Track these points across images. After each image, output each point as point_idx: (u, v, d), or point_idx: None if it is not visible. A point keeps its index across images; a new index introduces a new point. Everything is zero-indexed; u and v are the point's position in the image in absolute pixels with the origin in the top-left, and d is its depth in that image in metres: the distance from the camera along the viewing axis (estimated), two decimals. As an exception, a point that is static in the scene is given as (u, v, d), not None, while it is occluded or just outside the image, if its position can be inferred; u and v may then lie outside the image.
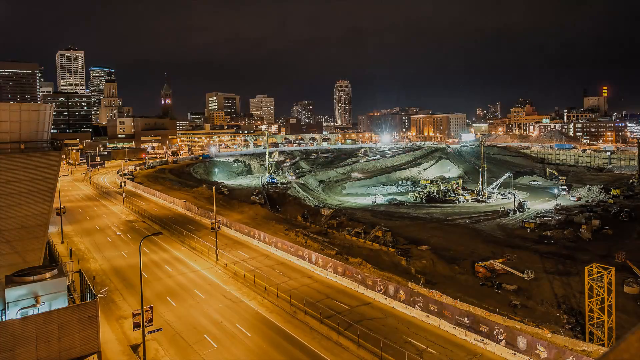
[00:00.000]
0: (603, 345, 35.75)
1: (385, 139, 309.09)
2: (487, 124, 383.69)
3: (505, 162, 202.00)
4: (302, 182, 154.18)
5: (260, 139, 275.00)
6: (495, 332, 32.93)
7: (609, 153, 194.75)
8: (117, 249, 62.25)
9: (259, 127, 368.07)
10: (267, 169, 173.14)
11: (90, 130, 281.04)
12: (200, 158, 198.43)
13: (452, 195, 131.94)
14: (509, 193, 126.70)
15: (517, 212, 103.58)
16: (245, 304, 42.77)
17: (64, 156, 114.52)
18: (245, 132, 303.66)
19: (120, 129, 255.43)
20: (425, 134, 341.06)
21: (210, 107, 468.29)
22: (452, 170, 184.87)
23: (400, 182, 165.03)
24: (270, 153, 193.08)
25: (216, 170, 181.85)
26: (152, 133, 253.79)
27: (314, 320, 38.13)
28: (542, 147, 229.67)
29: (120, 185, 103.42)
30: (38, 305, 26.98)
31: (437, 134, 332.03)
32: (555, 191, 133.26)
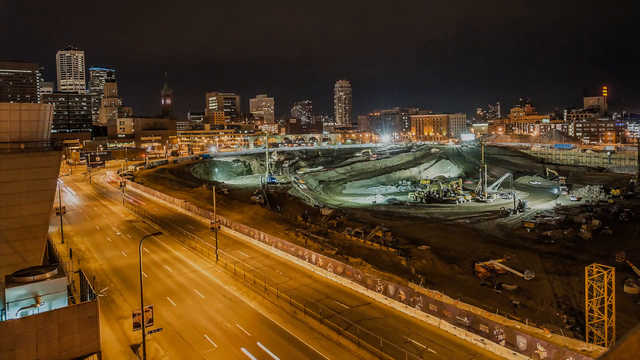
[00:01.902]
0: (603, 345, 35.75)
1: (385, 139, 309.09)
2: (487, 124, 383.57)
3: (505, 162, 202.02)
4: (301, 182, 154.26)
5: (260, 139, 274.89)
6: (495, 332, 32.93)
7: (609, 153, 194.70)
8: (117, 249, 62.27)
9: (259, 127, 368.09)
10: (267, 169, 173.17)
11: (90, 130, 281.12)
12: (200, 158, 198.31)
13: (452, 195, 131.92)
14: (509, 193, 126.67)
15: (517, 212, 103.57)
16: (245, 304, 42.77)
17: (64, 156, 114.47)
18: (245, 132, 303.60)
19: (120, 129, 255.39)
20: (425, 134, 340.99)
21: (210, 107, 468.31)
22: (452, 170, 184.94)
23: (400, 182, 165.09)
24: (270, 153, 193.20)
25: (216, 170, 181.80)
26: (152, 133, 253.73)
27: (314, 320, 38.12)
28: (542, 147, 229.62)
29: (120, 185, 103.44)
30: (38, 305, 26.97)
31: (437, 134, 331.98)
32: (555, 191, 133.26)
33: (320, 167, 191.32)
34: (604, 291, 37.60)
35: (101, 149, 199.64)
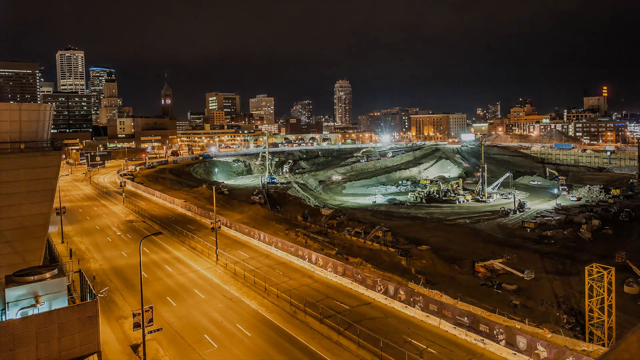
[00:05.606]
0: (603, 345, 35.75)
1: (386, 139, 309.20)
2: (487, 124, 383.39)
3: (505, 162, 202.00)
4: (302, 182, 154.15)
5: (261, 139, 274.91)
6: (495, 332, 32.93)
7: (609, 153, 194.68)
8: (117, 249, 62.26)
9: (259, 127, 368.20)
10: (267, 169, 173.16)
11: (90, 130, 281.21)
12: (200, 158, 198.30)
13: (452, 195, 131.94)
14: (509, 193, 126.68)
15: (517, 212, 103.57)
16: (245, 304, 42.76)
17: (64, 156, 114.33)
18: (245, 132, 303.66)
19: (120, 129, 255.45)
20: (425, 134, 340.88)
21: (210, 107, 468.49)
22: (452, 170, 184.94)
23: (400, 182, 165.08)
24: (259, 154, 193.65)
25: (216, 170, 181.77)
26: (152, 133, 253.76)
27: (314, 320, 38.11)
28: (542, 147, 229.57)
29: (120, 185, 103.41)
30: (38, 305, 26.95)
31: (437, 134, 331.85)
32: (555, 191, 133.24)
33: (320, 167, 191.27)
34: (604, 291, 37.60)
35: (101, 149, 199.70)
